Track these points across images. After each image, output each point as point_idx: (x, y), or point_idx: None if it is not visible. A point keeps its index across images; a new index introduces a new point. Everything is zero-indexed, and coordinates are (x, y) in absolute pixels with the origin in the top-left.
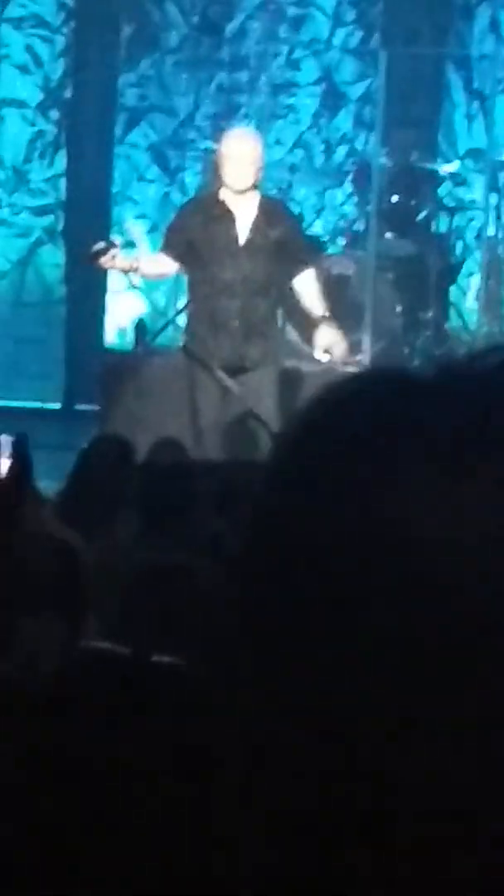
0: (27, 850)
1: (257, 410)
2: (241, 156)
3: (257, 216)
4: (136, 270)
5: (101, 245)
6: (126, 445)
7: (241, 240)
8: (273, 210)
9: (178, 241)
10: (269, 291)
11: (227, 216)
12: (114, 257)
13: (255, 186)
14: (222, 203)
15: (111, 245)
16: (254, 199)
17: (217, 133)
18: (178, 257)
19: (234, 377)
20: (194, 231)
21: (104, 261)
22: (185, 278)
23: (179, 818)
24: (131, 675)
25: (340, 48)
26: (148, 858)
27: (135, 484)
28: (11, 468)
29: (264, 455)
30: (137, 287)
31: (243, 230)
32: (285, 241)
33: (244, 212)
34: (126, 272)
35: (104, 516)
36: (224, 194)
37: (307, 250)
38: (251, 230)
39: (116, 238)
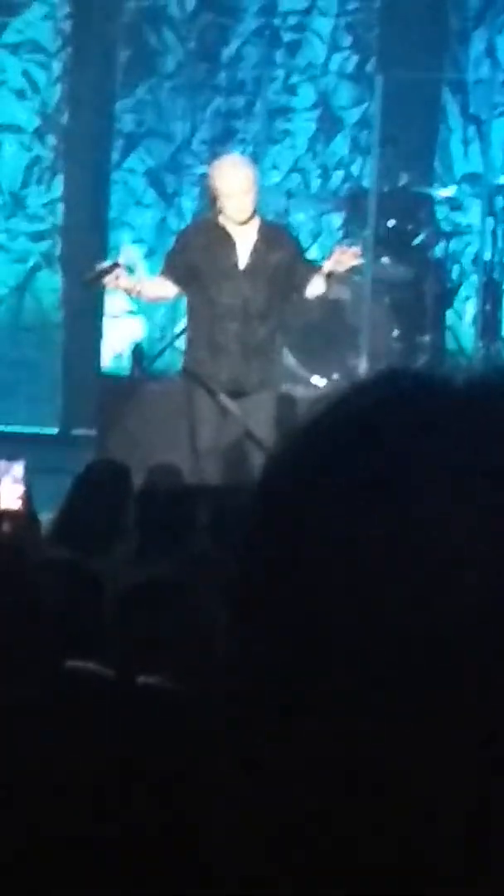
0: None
1: (256, 434)
2: (234, 189)
3: (257, 241)
4: (138, 293)
5: (105, 265)
6: (122, 470)
7: (242, 264)
8: (274, 234)
9: (178, 265)
10: (269, 316)
11: (227, 241)
12: (118, 277)
13: (253, 212)
14: (222, 228)
15: (115, 265)
16: (254, 224)
17: (209, 163)
18: (177, 281)
19: (234, 400)
20: (195, 255)
21: (108, 280)
22: (182, 302)
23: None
24: (115, 696)
25: (337, 73)
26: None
27: (132, 509)
28: (24, 496)
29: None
30: (134, 312)
31: (243, 255)
32: (286, 265)
33: (244, 236)
34: (129, 293)
35: (100, 541)
36: (224, 220)
37: (311, 271)
38: (251, 255)
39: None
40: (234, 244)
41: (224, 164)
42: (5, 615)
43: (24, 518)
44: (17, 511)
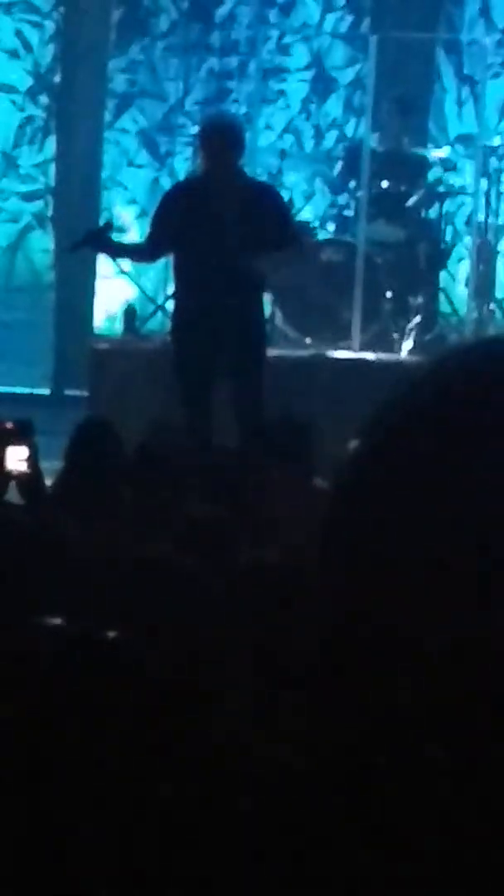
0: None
1: (246, 396)
2: (216, 145)
3: (242, 198)
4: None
5: (94, 229)
6: (114, 429)
7: (226, 222)
8: (258, 192)
9: (163, 226)
10: (255, 274)
11: (210, 199)
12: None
13: (238, 169)
14: (206, 186)
15: (108, 226)
16: (238, 181)
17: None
18: (164, 242)
19: (223, 361)
20: (178, 215)
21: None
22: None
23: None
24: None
25: (330, 33)
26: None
27: (125, 469)
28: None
29: (256, 439)
30: (127, 273)
31: (228, 212)
32: (271, 223)
33: (228, 194)
34: (114, 259)
35: (97, 502)
36: (207, 178)
37: (293, 231)
38: (236, 212)
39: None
40: (217, 202)
41: (208, 121)
42: None
43: (30, 478)
44: (23, 472)
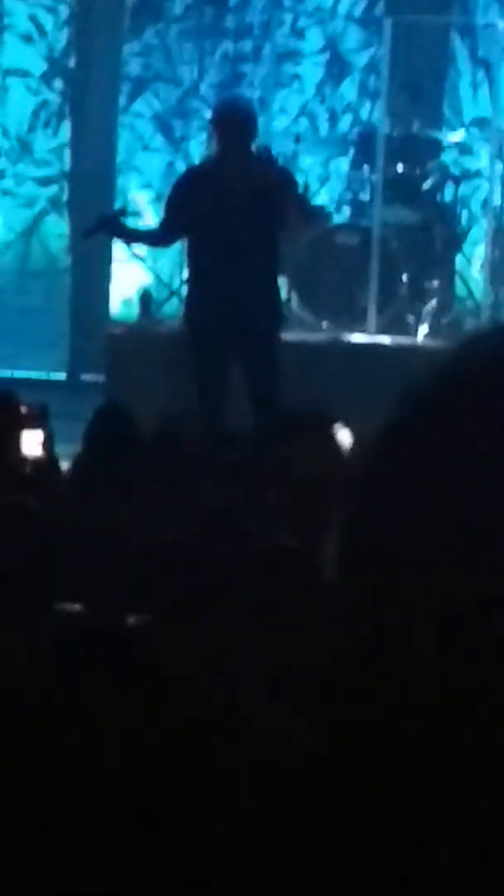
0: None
1: (261, 380)
2: (225, 126)
3: (253, 179)
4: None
5: (107, 214)
6: (133, 415)
7: (237, 203)
8: (269, 171)
9: (176, 211)
10: (269, 254)
11: (223, 183)
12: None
13: (250, 152)
14: (219, 170)
15: (121, 211)
16: (250, 162)
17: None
18: (177, 227)
19: (237, 345)
20: (190, 199)
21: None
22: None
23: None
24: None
25: (345, 16)
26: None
27: (142, 454)
28: (45, 440)
29: (272, 425)
30: (141, 257)
31: (239, 193)
32: (281, 201)
33: (240, 175)
34: (128, 244)
35: (114, 487)
36: (220, 162)
37: (307, 208)
38: (247, 193)
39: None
40: (229, 186)
41: (220, 104)
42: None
43: (46, 464)
44: (39, 457)
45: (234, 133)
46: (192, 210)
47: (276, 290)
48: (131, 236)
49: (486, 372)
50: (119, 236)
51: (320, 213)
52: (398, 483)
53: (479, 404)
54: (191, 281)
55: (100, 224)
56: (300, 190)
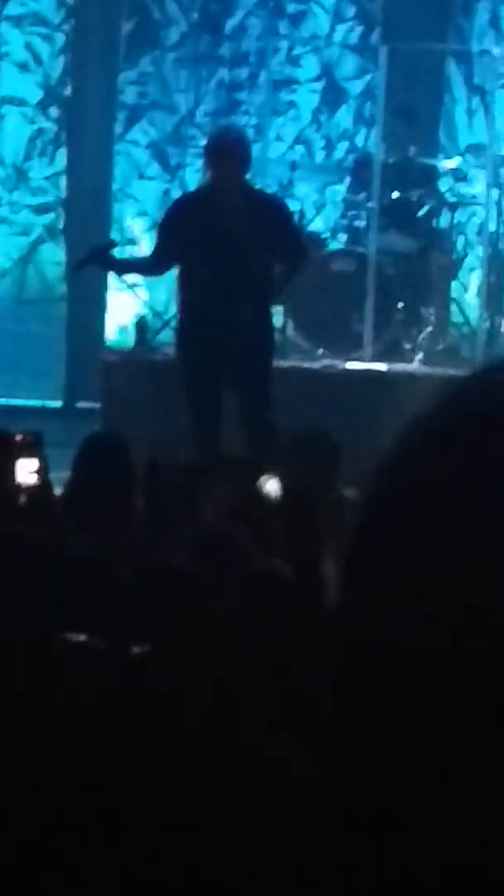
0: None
1: (253, 408)
2: (219, 157)
3: (247, 210)
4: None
5: (98, 246)
6: (124, 442)
7: (231, 234)
8: (263, 203)
9: (168, 240)
10: (262, 285)
11: (214, 211)
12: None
13: (243, 182)
14: (210, 199)
15: (111, 244)
16: (244, 194)
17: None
18: (169, 256)
19: (230, 373)
20: (183, 229)
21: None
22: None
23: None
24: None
25: (341, 44)
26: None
27: (137, 481)
28: (40, 469)
29: (267, 453)
30: (135, 286)
31: (233, 225)
32: (276, 234)
33: (232, 206)
34: (119, 275)
35: (107, 513)
36: (212, 191)
37: (299, 243)
38: (241, 224)
39: (116, 237)
40: (221, 215)
41: (213, 135)
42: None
43: (41, 490)
44: (33, 485)
45: (227, 162)
46: (184, 238)
47: (269, 317)
48: (122, 267)
49: (497, 404)
50: (110, 268)
51: (315, 241)
52: (404, 512)
53: (489, 436)
54: (183, 309)
55: (90, 256)
56: (294, 220)
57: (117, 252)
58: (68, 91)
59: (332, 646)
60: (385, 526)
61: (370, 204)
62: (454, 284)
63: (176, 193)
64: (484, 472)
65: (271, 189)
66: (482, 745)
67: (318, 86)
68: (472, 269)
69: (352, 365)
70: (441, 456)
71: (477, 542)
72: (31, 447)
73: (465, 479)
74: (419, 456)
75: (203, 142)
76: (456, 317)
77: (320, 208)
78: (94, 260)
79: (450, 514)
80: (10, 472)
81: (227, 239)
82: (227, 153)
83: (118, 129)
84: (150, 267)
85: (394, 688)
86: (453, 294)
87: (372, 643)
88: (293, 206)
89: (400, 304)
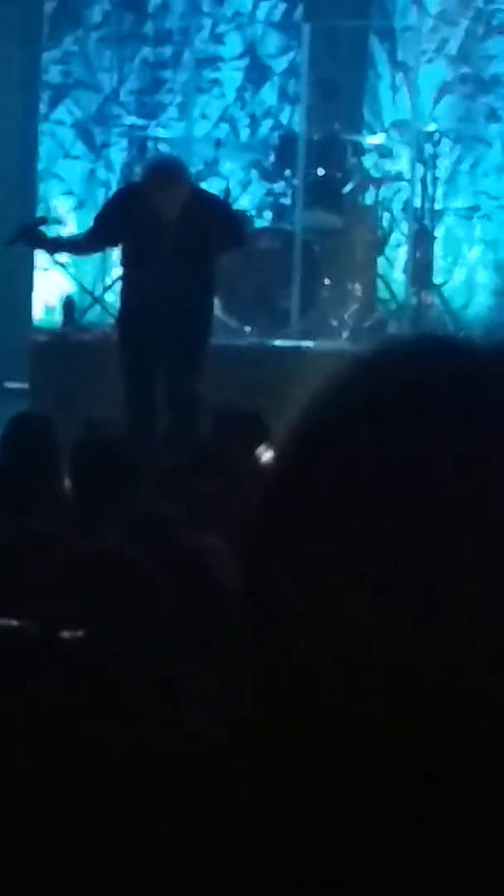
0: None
1: (190, 388)
2: (164, 189)
3: (184, 204)
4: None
5: (29, 222)
6: (50, 423)
7: (173, 226)
8: (198, 198)
9: (108, 225)
10: (199, 270)
11: (154, 206)
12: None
13: (180, 180)
14: (150, 194)
15: (41, 220)
16: (181, 190)
17: (137, 113)
18: (105, 240)
19: (167, 354)
20: (126, 215)
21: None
22: (112, 255)
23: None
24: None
25: (264, 21)
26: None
27: (64, 462)
28: None
29: (198, 432)
30: (63, 264)
31: (175, 217)
32: (211, 224)
33: (171, 203)
34: (50, 253)
35: (33, 494)
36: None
37: (240, 231)
38: (184, 217)
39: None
40: (161, 206)
41: (150, 166)
42: None
43: None
44: None
45: (169, 192)
46: (126, 225)
47: (210, 299)
48: (52, 245)
49: (397, 380)
50: (40, 246)
51: (250, 229)
52: (308, 487)
53: (390, 411)
54: (124, 288)
55: (20, 234)
56: (231, 211)
57: (45, 231)
58: None
59: (241, 615)
60: (287, 499)
61: (295, 181)
62: (380, 261)
63: (101, 173)
64: (381, 444)
65: (196, 167)
66: (380, 713)
67: (242, 63)
68: (397, 245)
69: (279, 342)
70: (339, 431)
71: (373, 512)
72: None
73: (362, 454)
74: (319, 430)
75: (128, 120)
76: (382, 293)
77: (246, 186)
78: (23, 237)
79: (346, 487)
80: None
81: (169, 230)
82: (168, 186)
83: (42, 108)
84: (81, 246)
85: (296, 659)
86: (379, 270)
87: (275, 615)
88: (219, 184)
89: (326, 281)
